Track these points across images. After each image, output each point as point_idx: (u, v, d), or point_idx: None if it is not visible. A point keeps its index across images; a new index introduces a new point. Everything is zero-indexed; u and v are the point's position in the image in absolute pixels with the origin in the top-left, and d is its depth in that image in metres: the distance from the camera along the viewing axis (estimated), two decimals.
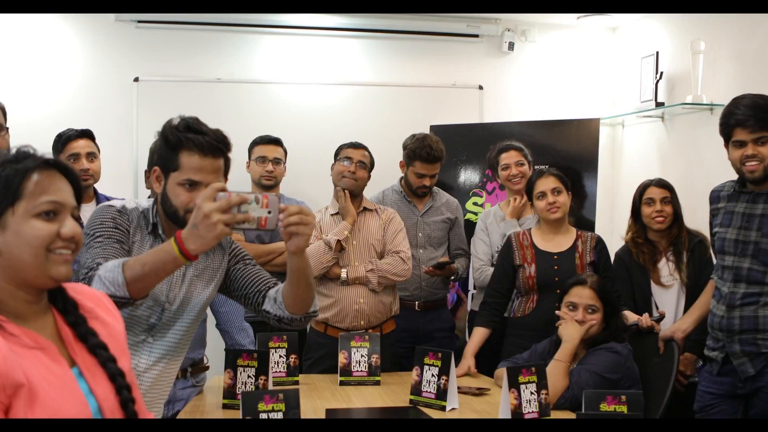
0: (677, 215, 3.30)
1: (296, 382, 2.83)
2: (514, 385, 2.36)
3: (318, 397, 2.70)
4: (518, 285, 3.21)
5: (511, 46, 4.86)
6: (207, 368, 2.90)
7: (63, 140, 3.31)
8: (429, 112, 4.67)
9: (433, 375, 2.58)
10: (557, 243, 3.20)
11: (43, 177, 1.25)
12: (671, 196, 3.30)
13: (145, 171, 3.26)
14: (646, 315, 3.12)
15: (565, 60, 4.98)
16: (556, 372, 2.62)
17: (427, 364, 2.60)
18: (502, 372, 2.54)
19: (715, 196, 2.85)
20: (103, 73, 4.44)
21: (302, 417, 2.23)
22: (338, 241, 3.26)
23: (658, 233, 3.30)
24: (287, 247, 1.88)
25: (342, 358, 2.92)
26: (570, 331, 2.73)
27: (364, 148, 3.47)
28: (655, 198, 3.28)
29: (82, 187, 1.34)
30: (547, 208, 3.16)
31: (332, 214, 3.41)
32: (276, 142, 3.84)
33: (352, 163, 3.39)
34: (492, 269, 3.41)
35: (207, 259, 2.09)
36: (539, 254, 3.18)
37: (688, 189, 3.97)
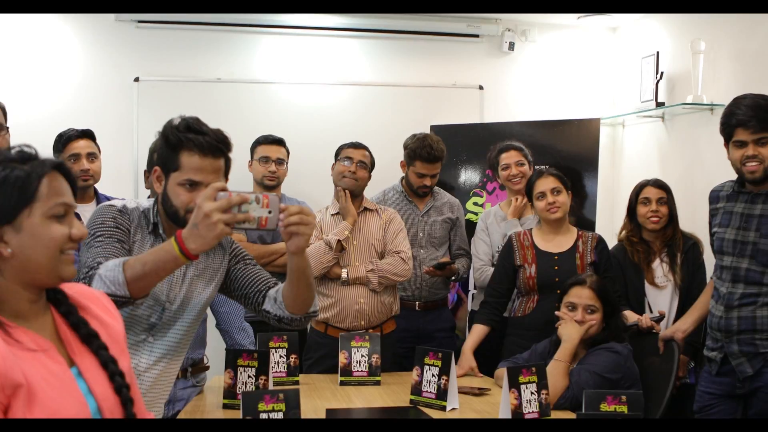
0: (672, 216, 3.30)
1: (296, 382, 2.83)
2: (514, 385, 2.36)
3: (318, 397, 2.70)
4: (518, 285, 3.21)
5: (511, 46, 4.86)
6: (207, 368, 2.90)
7: (64, 140, 3.31)
8: (429, 112, 4.67)
9: (433, 375, 2.58)
10: (558, 243, 3.20)
11: (53, 179, 1.27)
12: (667, 197, 3.31)
13: (145, 171, 3.27)
14: (646, 315, 3.12)
15: (565, 60, 4.98)
16: (556, 372, 2.62)
17: (428, 364, 2.60)
18: (502, 372, 2.54)
19: (714, 196, 2.85)
20: (104, 73, 4.44)
21: (302, 417, 2.23)
22: (339, 241, 3.27)
23: (653, 233, 3.30)
24: (287, 247, 1.88)
25: (342, 358, 2.92)
26: (569, 331, 2.74)
27: (365, 148, 3.47)
28: (651, 198, 3.29)
29: (78, 188, 1.36)
30: (546, 208, 3.16)
31: (333, 214, 3.41)
32: (279, 142, 3.84)
33: (353, 163, 3.39)
34: (492, 269, 3.41)
35: (207, 258, 2.09)
36: (540, 254, 3.18)
37: (688, 189, 3.98)
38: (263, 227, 1.75)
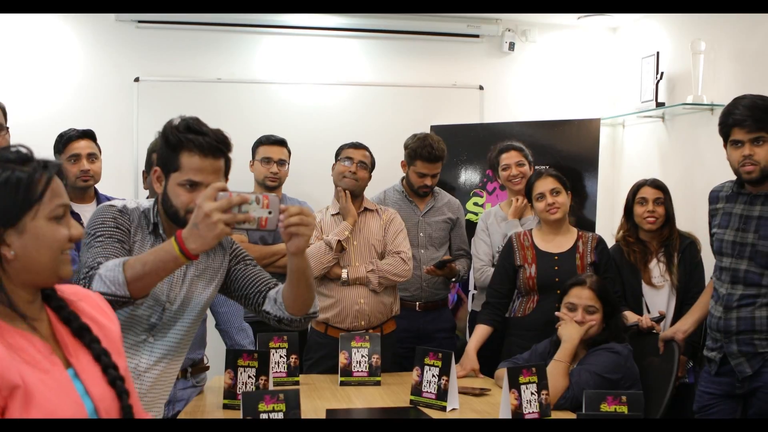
0: (669, 217, 3.30)
1: (297, 383, 2.83)
2: (514, 385, 2.36)
3: (318, 398, 2.71)
4: (518, 285, 3.21)
5: (511, 46, 4.86)
6: (207, 368, 2.90)
7: (64, 140, 3.31)
8: (429, 112, 4.67)
9: (433, 375, 2.58)
10: (558, 243, 3.20)
11: (54, 180, 1.29)
12: (664, 198, 3.30)
13: (143, 171, 3.27)
14: (646, 315, 3.13)
15: (565, 60, 4.98)
16: (556, 372, 2.62)
17: (428, 365, 2.60)
18: (502, 372, 2.54)
19: (714, 197, 2.85)
20: (104, 73, 4.44)
21: (303, 417, 2.23)
22: (339, 241, 3.27)
23: (649, 233, 3.30)
24: (287, 248, 1.88)
25: (342, 359, 2.92)
26: (569, 332, 2.74)
27: (365, 148, 3.47)
28: (647, 198, 3.29)
29: (74, 187, 1.39)
30: (546, 208, 3.16)
31: (333, 215, 3.41)
32: (281, 143, 3.84)
33: (353, 164, 3.39)
34: (493, 269, 3.41)
35: (208, 259, 2.09)
36: (540, 255, 3.18)
37: (689, 189, 3.98)
38: (263, 228, 1.76)
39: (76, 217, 3.31)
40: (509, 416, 2.34)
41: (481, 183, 4.41)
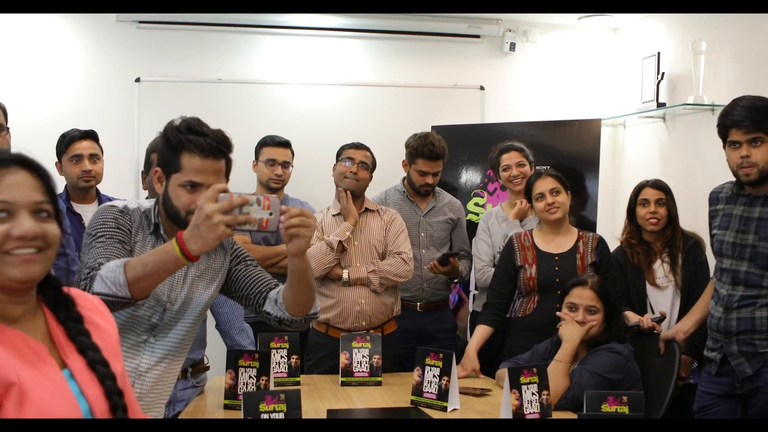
0: (672, 217, 3.30)
1: (297, 383, 2.83)
2: (515, 385, 2.36)
3: (319, 398, 2.71)
4: (519, 286, 3.21)
5: (512, 46, 4.87)
6: (207, 368, 2.90)
7: (67, 140, 3.32)
8: (430, 112, 4.67)
9: (434, 376, 2.58)
10: (558, 244, 3.20)
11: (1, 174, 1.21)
12: (666, 198, 3.30)
13: (142, 172, 3.27)
14: (647, 315, 3.12)
15: (566, 60, 4.98)
16: (557, 372, 2.62)
17: (429, 365, 2.60)
18: (503, 372, 2.54)
19: (714, 198, 2.85)
20: (105, 74, 4.45)
21: (303, 417, 2.23)
22: (340, 241, 3.26)
23: (652, 234, 3.30)
24: (288, 249, 1.88)
25: (343, 359, 2.92)
26: (570, 332, 2.74)
27: (366, 148, 3.47)
28: (649, 199, 3.29)
29: (51, 178, 1.27)
30: (546, 209, 3.16)
31: (334, 215, 3.41)
32: (285, 144, 3.82)
33: (354, 164, 3.39)
34: (494, 270, 3.41)
35: (209, 259, 2.09)
36: (540, 255, 3.18)
37: (690, 190, 3.98)
38: (264, 229, 1.76)
39: (78, 217, 3.32)
40: (510, 416, 2.35)
41: (481, 183, 4.41)
